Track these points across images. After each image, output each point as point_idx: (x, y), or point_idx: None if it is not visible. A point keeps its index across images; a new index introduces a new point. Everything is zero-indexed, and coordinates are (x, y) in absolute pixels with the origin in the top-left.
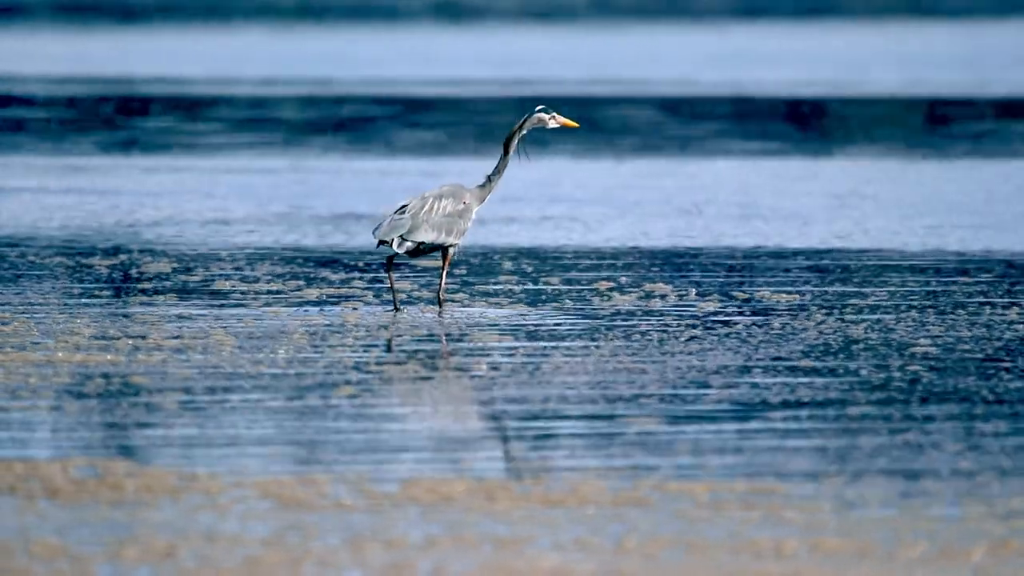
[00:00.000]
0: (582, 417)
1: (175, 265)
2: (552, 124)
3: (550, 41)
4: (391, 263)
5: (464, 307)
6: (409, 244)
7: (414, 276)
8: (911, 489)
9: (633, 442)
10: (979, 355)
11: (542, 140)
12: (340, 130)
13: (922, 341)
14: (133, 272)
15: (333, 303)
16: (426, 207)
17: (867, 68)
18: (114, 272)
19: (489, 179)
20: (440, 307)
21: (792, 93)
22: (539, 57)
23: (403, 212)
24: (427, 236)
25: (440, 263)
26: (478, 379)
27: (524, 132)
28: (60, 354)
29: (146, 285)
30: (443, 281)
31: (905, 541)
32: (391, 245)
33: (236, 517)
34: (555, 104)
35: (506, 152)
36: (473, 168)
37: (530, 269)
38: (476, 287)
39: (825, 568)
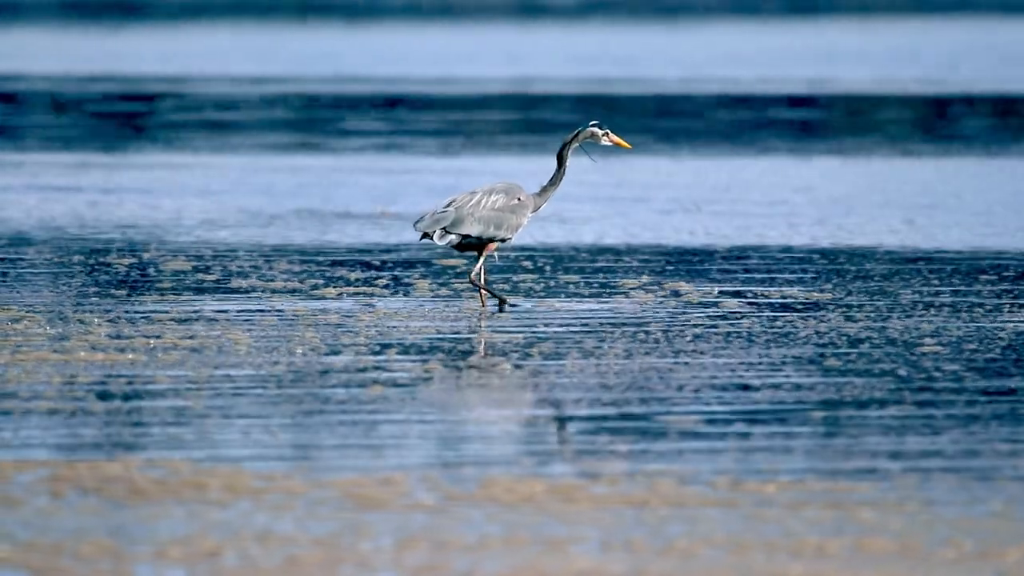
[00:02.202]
0: (631, 416)
1: (191, 264)
2: (604, 141)
3: (549, 39)
4: (482, 266)
5: (482, 305)
6: (452, 237)
7: (432, 275)
8: (972, 489)
9: (695, 442)
10: (1019, 354)
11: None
12: (367, 127)
13: (956, 340)
14: (148, 271)
15: (350, 301)
16: (474, 201)
17: (893, 64)
18: (129, 270)
19: (544, 189)
20: (480, 292)
21: (809, 91)
22: (537, 53)
23: (449, 205)
24: (472, 229)
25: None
26: (507, 378)
27: (576, 145)
28: (81, 353)
29: (161, 284)
30: (477, 266)
31: (954, 541)
32: (432, 238)
33: (297, 517)
34: (561, 101)
35: (560, 164)
36: (505, 167)
37: (547, 267)
38: (494, 285)
39: (849, 567)
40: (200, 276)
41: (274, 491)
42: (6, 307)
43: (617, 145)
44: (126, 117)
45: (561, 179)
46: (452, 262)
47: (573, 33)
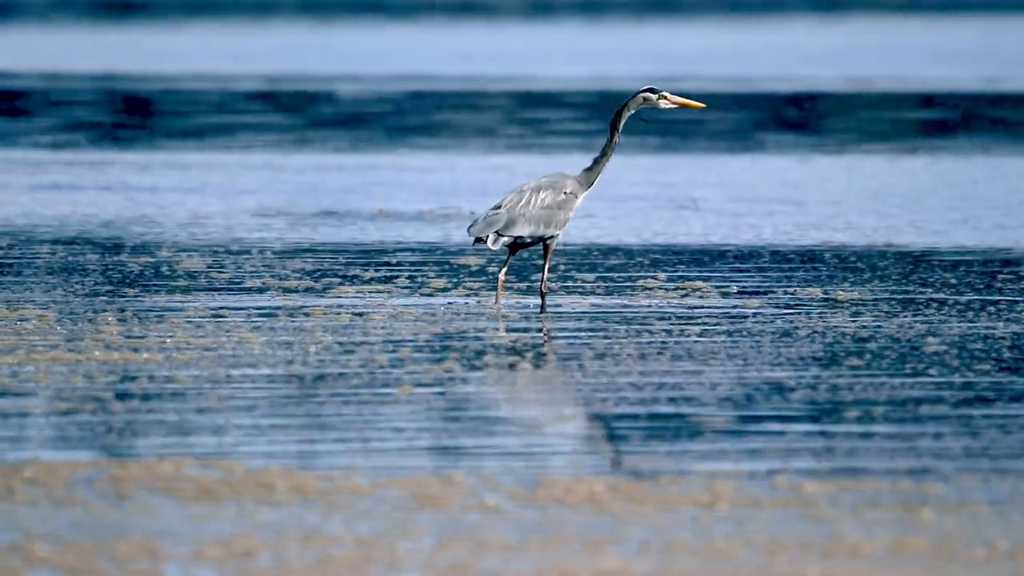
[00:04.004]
0: (668, 416)
1: (205, 262)
2: (664, 105)
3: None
4: (507, 262)
5: (500, 303)
6: (505, 239)
7: (446, 274)
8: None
9: (746, 441)
10: None
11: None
12: (392, 126)
13: (981, 339)
14: (162, 269)
15: (363, 300)
16: (523, 201)
17: (914, 63)
18: (142, 269)
19: (595, 162)
20: (543, 300)
21: (825, 88)
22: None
23: (499, 207)
24: (524, 230)
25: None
26: (532, 377)
27: (631, 112)
28: (96, 353)
29: (174, 283)
30: (545, 274)
31: (994, 542)
32: (486, 242)
33: (350, 517)
34: (555, 97)
35: (612, 135)
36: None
37: (562, 266)
38: (511, 284)
39: (871, 567)
40: (214, 275)
41: (339, 492)
42: (19, 306)
43: (684, 106)
44: (140, 115)
45: (612, 150)
46: (466, 261)
47: (640, 31)
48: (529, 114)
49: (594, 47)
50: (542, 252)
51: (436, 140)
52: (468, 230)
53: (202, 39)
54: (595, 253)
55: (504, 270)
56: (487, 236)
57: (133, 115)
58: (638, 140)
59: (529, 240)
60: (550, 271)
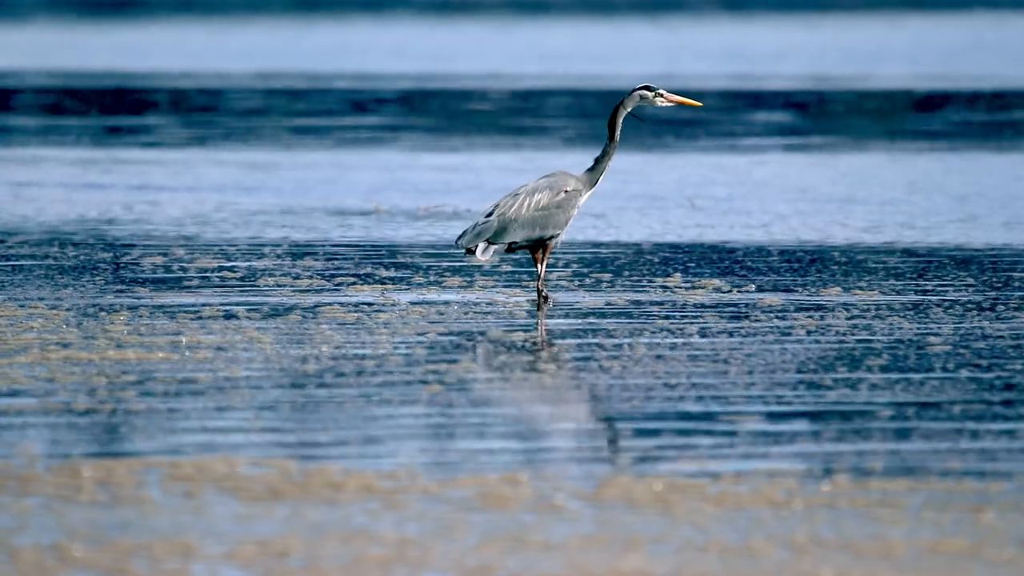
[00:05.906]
0: (705, 416)
1: (217, 262)
2: (660, 103)
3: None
4: (544, 271)
5: (511, 302)
6: (497, 247)
7: (458, 273)
8: None
9: (785, 442)
10: None
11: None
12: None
13: (1004, 340)
14: (173, 268)
15: (375, 298)
16: (516, 205)
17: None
18: (154, 269)
19: (597, 162)
20: (539, 299)
21: (845, 87)
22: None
23: (491, 214)
24: (517, 236)
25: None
26: (555, 376)
27: (628, 110)
28: (110, 352)
29: (187, 282)
30: (541, 273)
31: None
32: (475, 252)
33: (403, 518)
34: (559, 96)
35: (611, 134)
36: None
37: (573, 265)
38: (518, 282)
39: (892, 568)
40: (226, 274)
41: (404, 491)
42: (31, 305)
43: (681, 104)
44: (147, 114)
45: (614, 149)
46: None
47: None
48: (591, 112)
49: (657, 46)
50: (540, 251)
51: (471, 140)
52: (456, 242)
53: (206, 39)
54: (606, 252)
55: (539, 281)
56: (476, 246)
57: (145, 113)
58: (650, 139)
59: (525, 244)
60: (547, 269)
